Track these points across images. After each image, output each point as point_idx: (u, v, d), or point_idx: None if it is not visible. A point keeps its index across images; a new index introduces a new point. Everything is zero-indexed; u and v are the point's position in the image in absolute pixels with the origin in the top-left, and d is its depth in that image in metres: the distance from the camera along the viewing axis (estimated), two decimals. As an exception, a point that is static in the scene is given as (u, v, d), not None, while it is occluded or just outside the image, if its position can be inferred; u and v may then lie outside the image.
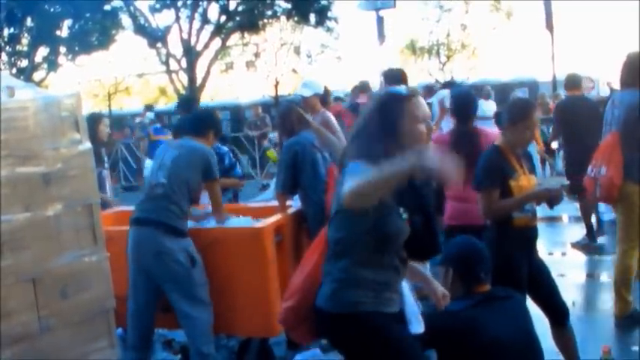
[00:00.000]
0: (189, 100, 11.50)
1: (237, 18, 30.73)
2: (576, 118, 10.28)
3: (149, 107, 23.03)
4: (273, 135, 20.18)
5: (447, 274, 4.47)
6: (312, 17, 31.76)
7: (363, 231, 3.50)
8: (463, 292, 4.37)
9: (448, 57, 39.88)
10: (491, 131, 6.54)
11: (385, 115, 3.58)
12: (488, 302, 4.34)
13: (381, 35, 23.65)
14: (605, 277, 8.60)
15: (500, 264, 4.79)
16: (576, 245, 10.43)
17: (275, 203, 6.88)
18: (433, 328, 3.89)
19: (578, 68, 20.67)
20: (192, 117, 6.65)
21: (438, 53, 39.89)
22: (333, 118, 8.14)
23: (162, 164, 5.92)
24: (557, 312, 5.31)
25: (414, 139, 3.54)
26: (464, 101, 6.61)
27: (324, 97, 7.87)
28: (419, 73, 38.22)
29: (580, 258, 9.95)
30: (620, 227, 7.03)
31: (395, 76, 8.34)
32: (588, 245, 10.36)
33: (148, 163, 10.34)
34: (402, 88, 3.74)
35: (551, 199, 5.22)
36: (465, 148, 5.73)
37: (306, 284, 3.79)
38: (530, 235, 5.30)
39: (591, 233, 10.58)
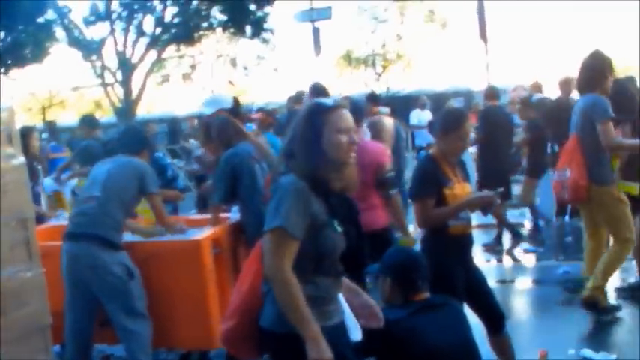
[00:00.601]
0: (91, 119, 11.35)
1: (173, 30, 30.57)
2: (492, 128, 10.63)
3: (51, 124, 21.93)
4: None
5: (384, 283, 4.50)
6: (248, 29, 31.72)
7: (299, 250, 3.50)
8: (401, 300, 4.41)
9: (384, 67, 40.12)
10: (372, 146, 6.58)
11: (310, 127, 3.59)
12: (426, 310, 4.37)
13: (317, 46, 23.71)
14: (528, 283, 8.74)
15: (437, 272, 4.83)
16: (509, 252, 10.63)
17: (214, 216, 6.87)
18: (373, 337, 3.91)
19: (512, 77, 21.03)
20: (125, 136, 6.63)
21: (373, 64, 40.10)
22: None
23: (96, 179, 5.90)
24: (493, 318, 5.37)
25: (336, 151, 3.57)
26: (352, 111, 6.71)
27: (235, 110, 7.92)
28: (355, 84, 38.38)
29: (518, 264, 10.09)
30: (607, 226, 7.28)
31: (318, 90, 8.50)
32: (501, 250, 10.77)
33: (48, 182, 10.15)
34: (327, 100, 3.77)
35: (485, 206, 5.30)
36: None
37: (245, 303, 3.77)
38: (465, 243, 5.36)
39: (501, 238, 10.98)
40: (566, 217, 10.29)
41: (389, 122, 8.56)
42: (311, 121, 3.61)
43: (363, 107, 6.82)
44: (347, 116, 3.65)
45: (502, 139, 10.79)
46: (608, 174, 6.97)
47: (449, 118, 5.37)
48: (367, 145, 6.53)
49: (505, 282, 8.89)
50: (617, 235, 7.14)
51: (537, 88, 15.53)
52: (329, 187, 3.59)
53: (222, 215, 6.81)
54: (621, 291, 8.00)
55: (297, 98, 13.29)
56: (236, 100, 7.86)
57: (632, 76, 10.73)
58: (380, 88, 34.98)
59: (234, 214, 6.83)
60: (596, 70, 7.08)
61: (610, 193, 6.96)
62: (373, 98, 11.29)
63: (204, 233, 6.09)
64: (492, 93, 11.44)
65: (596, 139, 6.91)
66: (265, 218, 3.49)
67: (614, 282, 8.12)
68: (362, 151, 6.18)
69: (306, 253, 3.49)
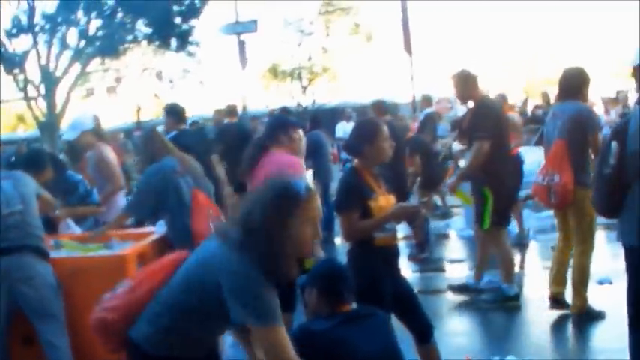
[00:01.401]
0: None
1: (97, 43, 30.17)
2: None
3: None
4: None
5: (310, 294, 4.51)
6: (174, 42, 31.50)
7: (205, 310, 3.54)
8: (327, 312, 4.43)
9: (310, 80, 40.20)
10: (283, 159, 6.58)
11: (276, 218, 3.46)
12: (353, 321, 4.39)
13: (243, 59, 23.72)
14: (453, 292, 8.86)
15: (363, 283, 4.87)
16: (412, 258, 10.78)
17: (141, 230, 6.85)
18: (301, 348, 3.92)
19: (437, 89, 21.30)
20: (28, 155, 6.62)
21: (299, 77, 40.16)
22: (107, 152, 8.36)
23: (8, 194, 5.83)
24: (421, 328, 5.42)
25: (300, 244, 3.53)
26: (271, 122, 6.87)
27: (97, 131, 8.04)
28: (281, 97, 38.38)
29: (444, 273, 10.20)
30: (574, 231, 7.43)
31: (175, 112, 8.77)
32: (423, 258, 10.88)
33: None
34: (300, 185, 3.60)
35: (410, 217, 5.36)
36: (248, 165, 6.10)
37: (137, 306, 3.74)
38: (392, 254, 5.41)
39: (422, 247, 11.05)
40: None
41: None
42: (278, 211, 3.47)
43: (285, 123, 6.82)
44: (315, 205, 3.56)
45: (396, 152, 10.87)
46: (589, 178, 7.15)
47: (364, 128, 5.42)
48: (279, 158, 6.48)
49: (430, 291, 8.98)
50: (585, 238, 7.32)
51: (427, 103, 15.82)
52: (282, 278, 3.54)
53: (148, 229, 6.78)
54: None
55: (228, 112, 13.30)
56: (97, 121, 7.94)
57: (503, 94, 11.29)
58: (306, 101, 35.07)
59: (159, 228, 6.80)
60: (578, 78, 7.26)
61: (589, 196, 7.12)
62: (286, 112, 11.42)
63: (130, 247, 6.05)
64: (380, 107, 11.50)
65: (583, 145, 7.21)
66: (247, 308, 3.42)
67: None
68: (271, 164, 6.21)
69: (212, 316, 3.53)
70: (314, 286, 4.50)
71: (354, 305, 4.58)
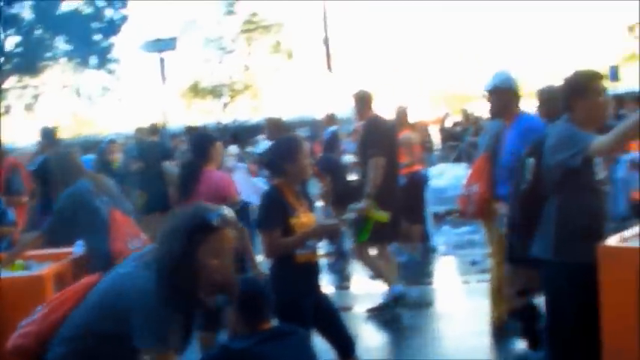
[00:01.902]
0: None
1: (15, 60, 29.73)
2: None
3: None
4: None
5: (230, 313, 4.49)
6: (93, 59, 31.20)
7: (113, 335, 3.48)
8: (247, 330, 4.41)
9: (231, 98, 40.14)
10: (220, 177, 6.69)
11: (187, 245, 3.42)
12: (273, 339, 4.38)
13: (164, 77, 23.54)
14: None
15: (284, 300, 4.88)
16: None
17: (59, 250, 6.76)
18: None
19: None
20: None
21: (220, 95, 40.05)
22: None
23: None
24: (343, 344, 5.43)
25: (214, 273, 3.49)
26: (200, 140, 7.01)
27: None
28: (202, 115, 38.23)
29: (364, 290, 10.24)
30: (490, 242, 7.57)
31: (47, 134, 8.87)
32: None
33: None
34: (213, 215, 3.52)
35: (331, 234, 5.40)
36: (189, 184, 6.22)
37: (49, 332, 3.69)
38: (313, 271, 5.43)
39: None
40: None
41: None
42: (190, 240, 3.43)
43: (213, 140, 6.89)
44: (230, 236, 3.52)
45: None
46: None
47: (285, 147, 5.45)
48: (215, 176, 6.57)
49: (353, 307, 9.03)
50: (500, 250, 7.44)
51: (331, 121, 15.98)
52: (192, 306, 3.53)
53: (66, 249, 6.70)
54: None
55: (150, 130, 13.22)
56: None
57: (404, 109, 11.57)
58: (227, 119, 34.99)
59: (77, 249, 6.72)
60: (506, 96, 7.33)
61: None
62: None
63: (47, 268, 5.96)
64: (278, 125, 11.64)
65: None
66: (143, 328, 3.37)
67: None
68: (210, 182, 6.23)
69: (124, 341, 3.44)
70: (232, 305, 4.49)
71: (275, 323, 4.58)
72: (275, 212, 5.22)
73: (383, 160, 8.33)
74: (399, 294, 8.61)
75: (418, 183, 11.45)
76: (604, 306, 4.71)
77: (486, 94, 6.99)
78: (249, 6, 38.37)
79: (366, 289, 10.17)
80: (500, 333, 7.43)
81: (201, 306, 3.56)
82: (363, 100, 8.91)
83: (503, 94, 6.92)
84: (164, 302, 3.35)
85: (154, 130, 13.18)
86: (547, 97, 7.29)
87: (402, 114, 12.36)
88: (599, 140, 4.67)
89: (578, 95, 4.94)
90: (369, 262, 8.73)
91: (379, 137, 8.49)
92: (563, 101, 5.07)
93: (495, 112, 7.16)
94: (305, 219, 5.27)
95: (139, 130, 14.02)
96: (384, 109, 13.86)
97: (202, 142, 6.78)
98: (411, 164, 11.30)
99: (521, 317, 6.88)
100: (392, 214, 8.12)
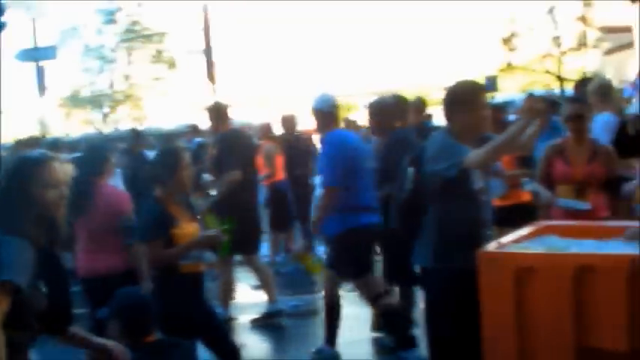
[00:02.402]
0: None
1: None
2: None
3: None
4: None
5: (113, 327, 4.43)
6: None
7: None
8: (131, 343, 4.35)
9: (112, 108, 39.58)
10: (114, 192, 6.52)
11: (17, 182, 3.45)
12: (157, 352, 4.35)
13: (42, 87, 22.98)
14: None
15: (169, 311, 4.85)
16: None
17: None
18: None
19: (240, 116, 21.49)
20: None
21: (100, 104, 39.44)
22: None
23: None
24: (228, 354, 5.44)
25: (46, 206, 3.46)
26: (93, 155, 6.66)
27: None
28: (82, 125, 37.60)
29: (250, 300, 10.20)
30: None
31: None
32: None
33: None
34: (36, 152, 3.63)
35: (214, 244, 5.39)
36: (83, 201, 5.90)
37: None
38: (198, 281, 5.41)
39: None
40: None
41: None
42: (18, 175, 3.47)
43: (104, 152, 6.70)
44: (56, 169, 3.52)
45: None
46: None
47: (167, 158, 5.41)
48: (110, 191, 6.37)
49: (238, 317, 9.00)
50: None
51: (195, 132, 15.98)
52: (37, 243, 3.44)
53: None
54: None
55: (29, 142, 12.88)
56: None
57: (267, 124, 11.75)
58: (107, 129, 34.47)
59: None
60: (320, 115, 7.40)
61: None
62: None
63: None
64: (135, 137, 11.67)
65: None
66: None
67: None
68: (105, 197, 6.09)
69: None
70: (116, 318, 4.43)
71: (159, 335, 4.53)
72: (156, 223, 5.19)
73: (238, 174, 8.30)
74: (281, 307, 8.71)
75: (280, 193, 11.51)
76: (483, 311, 4.81)
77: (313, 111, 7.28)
78: (130, 15, 37.85)
79: (250, 299, 10.15)
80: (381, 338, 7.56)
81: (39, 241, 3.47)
82: (218, 113, 8.84)
83: (318, 115, 7.21)
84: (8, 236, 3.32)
85: (33, 142, 12.83)
86: (377, 110, 7.50)
87: (265, 127, 12.57)
88: (475, 153, 4.76)
89: (458, 106, 5.01)
90: (226, 277, 8.70)
91: (233, 151, 8.46)
92: (444, 112, 5.17)
93: (318, 130, 7.60)
94: (188, 229, 5.25)
95: (18, 143, 13.64)
96: (271, 119, 13.97)
97: (97, 155, 6.54)
98: (272, 175, 11.41)
99: (386, 319, 7.10)
100: (252, 225, 8.36)
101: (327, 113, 7.18)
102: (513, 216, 6.58)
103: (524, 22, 33.66)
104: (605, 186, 6.24)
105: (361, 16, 55.05)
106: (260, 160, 10.27)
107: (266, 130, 12.52)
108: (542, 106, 4.91)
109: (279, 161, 11.82)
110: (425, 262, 5.13)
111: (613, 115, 7.73)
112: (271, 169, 11.44)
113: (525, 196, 7.19)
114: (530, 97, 4.96)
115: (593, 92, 8.04)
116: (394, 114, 7.46)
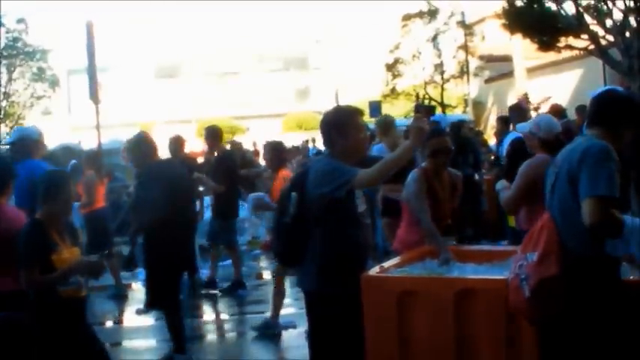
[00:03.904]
0: None
1: None
2: None
3: None
4: None
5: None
6: None
7: None
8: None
9: (-7, 126, 38.46)
10: (12, 211, 6.27)
11: None
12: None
13: None
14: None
15: (47, 337, 4.74)
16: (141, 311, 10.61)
17: None
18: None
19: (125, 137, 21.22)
20: None
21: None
22: None
23: None
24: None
25: None
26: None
27: None
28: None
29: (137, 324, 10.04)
30: None
31: None
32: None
33: None
34: None
35: (93, 271, 5.30)
36: None
37: None
38: (77, 307, 5.29)
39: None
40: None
41: None
42: None
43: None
44: None
45: None
46: None
47: (50, 182, 5.31)
48: (9, 211, 6.10)
49: (122, 341, 8.87)
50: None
51: (71, 154, 15.81)
52: None
53: None
54: None
55: None
56: None
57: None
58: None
59: None
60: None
61: None
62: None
63: None
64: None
65: None
66: None
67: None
68: (5, 217, 5.86)
69: None
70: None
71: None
72: (35, 248, 5.07)
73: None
74: None
75: (98, 221, 11.40)
76: (367, 334, 4.86)
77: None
78: (11, 31, 36.90)
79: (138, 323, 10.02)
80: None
81: None
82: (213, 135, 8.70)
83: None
84: None
85: None
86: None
87: (91, 155, 12.46)
88: (365, 172, 4.82)
89: (338, 131, 5.08)
90: None
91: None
92: (323, 137, 5.23)
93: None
94: (67, 255, 5.16)
95: None
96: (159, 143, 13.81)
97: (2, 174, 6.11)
98: (89, 204, 11.29)
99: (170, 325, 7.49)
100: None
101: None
102: None
103: (409, 50, 34.33)
104: None
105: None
106: (79, 188, 10.19)
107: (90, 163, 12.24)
108: (427, 128, 4.99)
109: (101, 190, 11.71)
110: (310, 286, 5.14)
111: (386, 147, 9.30)
112: (89, 197, 11.28)
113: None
114: (418, 117, 5.03)
115: (377, 125, 9.88)
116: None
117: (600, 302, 3.95)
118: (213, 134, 11.45)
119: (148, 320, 9.11)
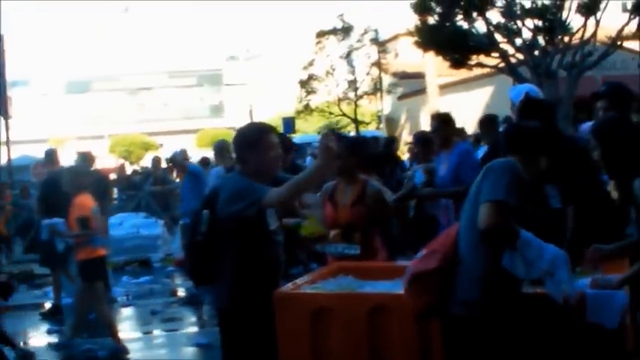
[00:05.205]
0: None
1: None
2: None
3: None
4: None
5: None
6: None
7: None
8: None
9: None
10: None
11: None
12: None
13: None
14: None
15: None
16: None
17: None
18: None
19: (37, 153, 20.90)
20: None
21: None
22: None
23: None
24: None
25: None
26: None
27: None
28: None
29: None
30: None
31: None
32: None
33: None
34: None
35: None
36: None
37: None
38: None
39: None
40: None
41: None
42: None
43: None
44: None
45: None
46: None
47: None
48: None
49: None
50: None
51: None
52: None
53: None
54: None
55: None
56: None
57: None
58: None
59: None
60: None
61: None
62: None
63: None
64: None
65: None
66: None
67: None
68: None
69: None
70: None
71: None
72: None
73: None
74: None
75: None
76: (281, 352, 4.82)
77: None
78: None
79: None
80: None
81: None
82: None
83: None
84: None
85: None
86: None
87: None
88: (276, 191, 4.77)
89: (250, 148, 5.02)
90: None
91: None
92: (235, 154, 5.17)
93: None
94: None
95: None
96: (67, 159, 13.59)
97: None
98: None
99: None
100: None
101: None
102: None
103: (323, 66, 34.51)
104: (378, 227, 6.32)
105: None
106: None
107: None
108: (336, 145, 4.96)
109: None
110: (222, 304, 5.07)
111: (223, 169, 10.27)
112: None
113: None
114: (326, 134, 5.00)
115: (214, 149, 11.05)
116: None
117: (496, 310, 4.13)
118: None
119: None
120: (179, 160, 12.15)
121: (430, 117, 9.01)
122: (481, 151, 9.61)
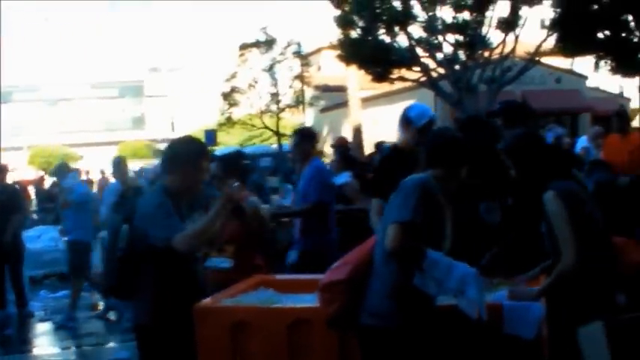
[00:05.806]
0: None
1: None
2: None
3: None
4: None
5: None
6: None
7: None
8: None
9: None
10: None
11: None
12: None
13: None
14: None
15: None
16: None
17: None
18: None
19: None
20: None
21: None
22: None
23: None
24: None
25: None
26: None
27: None
28: None
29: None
30: None
31: None
32: None
33: None
34: None
35: None
36: None
37: None
38: None
39: None
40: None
41: None
42: None
43: None
44: None
45: None
46: None
47: None
48: None
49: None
50: None
51: None
52: None
53: None
54: None
55: None
56: None
57: None
58: None
59: None
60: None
61: None
62: None
63: None
64: None
65: None
66: None
67: None
68: None
69: None
70: None
71: None
72: None
73: None
74: None
75: None
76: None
77: None
78: None
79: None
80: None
81: None
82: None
83: None
84: None
85: None
86: None
87: None
88: (182, 237, 4.69)
89: (186, 165, 4.94)
90: None
91: None
92: (163, 166, 5.11)
93: None
94: None
95: None
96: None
97: None
98: None
99: None
100: None
101: None
102: None
103: (245, 79, 34.41)
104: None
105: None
106: None
107: None
108: (237, 195, 5.01)
109: None
110: (141, 319, 5.00)
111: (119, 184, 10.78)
112: None
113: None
114: (230, 181, 5.12)
115: (113, 165, 11.31)
116: None
117: (407, 322, 4.19)
118: None
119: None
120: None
121: (292, 132, 8.96)
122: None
